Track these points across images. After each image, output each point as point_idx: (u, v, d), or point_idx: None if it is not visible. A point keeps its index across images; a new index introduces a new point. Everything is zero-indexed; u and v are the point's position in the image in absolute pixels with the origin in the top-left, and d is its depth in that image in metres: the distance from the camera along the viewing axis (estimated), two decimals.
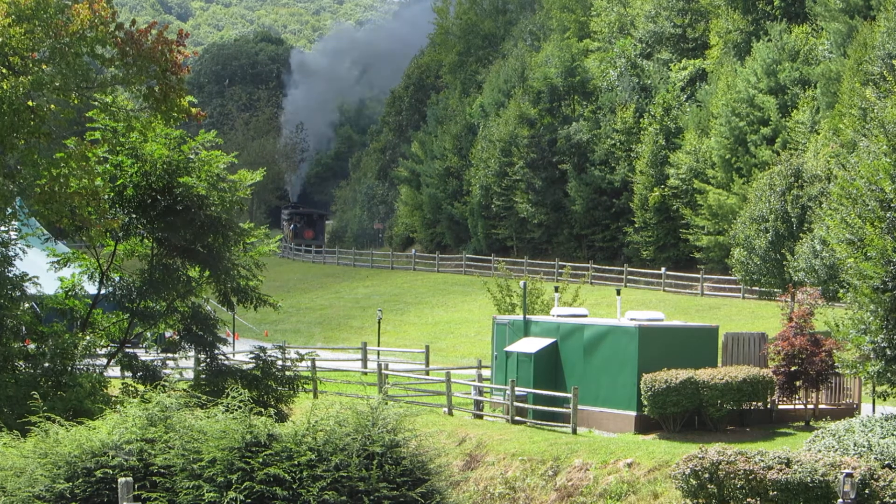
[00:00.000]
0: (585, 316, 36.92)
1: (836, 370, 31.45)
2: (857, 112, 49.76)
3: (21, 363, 25.36)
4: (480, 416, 36.12)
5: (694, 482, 24.41)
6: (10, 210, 25.15)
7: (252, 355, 28.04)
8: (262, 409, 17.16)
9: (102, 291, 27.90)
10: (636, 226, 74.40)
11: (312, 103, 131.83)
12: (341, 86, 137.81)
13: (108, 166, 27.16)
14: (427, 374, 43.86)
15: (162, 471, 15.28)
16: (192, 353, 28.58)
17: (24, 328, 26.25)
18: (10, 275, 25.25)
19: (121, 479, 14.72)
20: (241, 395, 15.80)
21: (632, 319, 34.68)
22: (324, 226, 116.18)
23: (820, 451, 24.95)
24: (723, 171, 64.97)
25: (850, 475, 22.75)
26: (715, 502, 24.32)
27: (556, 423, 33.64)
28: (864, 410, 32.74)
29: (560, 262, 71.98)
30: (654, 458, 28.96)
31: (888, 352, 26.07)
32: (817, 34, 65.32)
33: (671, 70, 77.40)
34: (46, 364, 25.08)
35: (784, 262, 46.20)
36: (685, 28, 79.18)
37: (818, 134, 56.36)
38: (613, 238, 78.65)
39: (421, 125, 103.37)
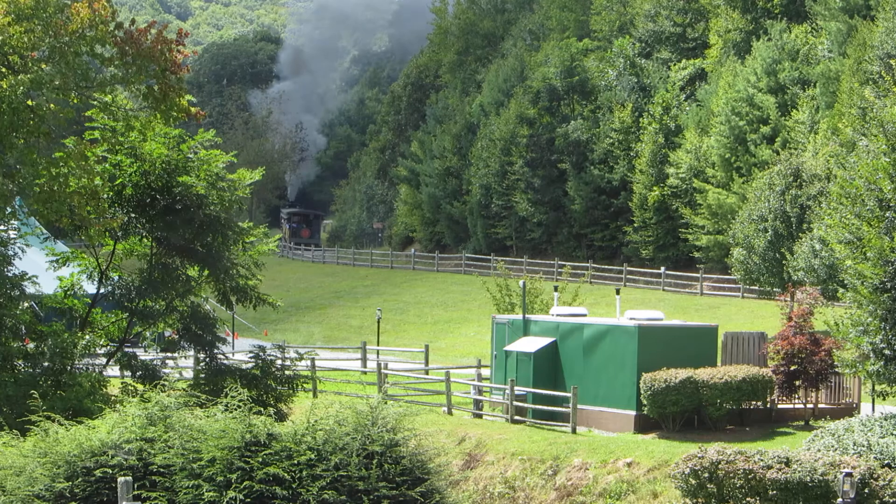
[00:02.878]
0: (585, 315, 36.89)
1: (836, 369, 31.44)
2: (856, 112, 49.76)
3: (20, 362, 25.35)
4: (480, 416, 36.11)
5: (693, 482, 24.41)
6: (9, 209, 25.13)
7: (251, 354, 28.03)
8: (262, 409, 17.16)
9: (101, 291, 27.90)
10: (635, 225, 74.40)
11: (317, 52, 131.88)
12: (354, 27, 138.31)
13: (107, 165, 27.16)
14: (426, 373, 43.85)
15: (161, 470, 15.28)
16: (191, 353, 28.58)
17: (23, 327, 26.24)
18: (10, 274, 25.26)
19: (120, 479, 14.71)
20: (240, 394, 15.80)
21: (631, 319, 34.67)
22: (320, 225, 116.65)
23: (819, 450, 24.94)
24: (722, 170, 64.98)
25: (849, 474, 22.75)
26: (714, 502, 24.31)
27: (555, 423, 33.63)
28: (864, 410, 32.72)
29: (559, 262, 72.00)
30: (654, 457, 28.96)
31: (886, 352, 26.06)
32: (817, 34, 65.34)
33: (671, 69, 77.43)
34: (46, 363, 25.09)
35: (783, 262, 46.21)
36: (685, 27, 79.22)
37: (817, 133, 56.37)
38: (613, 237, 78.67)
39: (420, 125, 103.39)
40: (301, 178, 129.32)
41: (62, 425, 16.04)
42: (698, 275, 65.19)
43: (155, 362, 27.67)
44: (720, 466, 24.14)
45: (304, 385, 29.25)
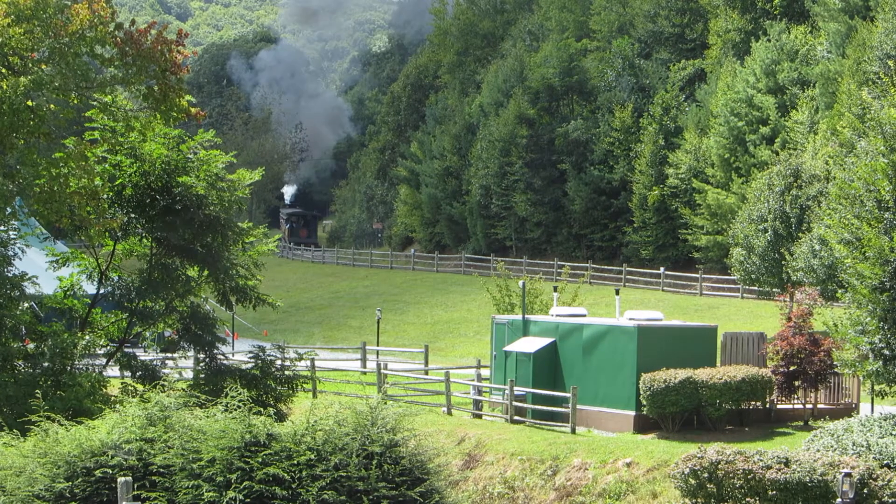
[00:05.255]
0: (584, 315, 36.92)
1: (835, 370, 31.47)
2: (855, 111, 49.74)
3: (20, 363, 25.35)
4: (479, 416, 36.13)
5: (693, 482, 24.43)
6: (9, 210, 25.15)
7: (251, 355, 28.04)
8: (262, 409, 17.15)
9: (101, 291, 27.91)
10: (635, 225, 74.45)
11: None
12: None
13: (107, 166, 27.16)
14: (426, 373, 43.87)
15: (161, 470, 15.28)
16: (191, 353, 28.59)
17: (23, 328, 26.25)
18: (10, 274, 25.26)
19: (120, 479, 14.72)
20: (240, 394, 15.80)
21: (631, 319, 34.69)
22: (317, 225, 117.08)
23: (819, 450, 24.97)
24: (722, 170, 65.01)
25: (848, 475, 22.77)
26: (714, 502, 24.34)
27: (555, 423, 33.66)
28: (863, 410, 32.76)
29: (559, 262, 72.04)
30: (653, 457, 28.98)
31: (885, 352, 26.09)
32: (816, 34, 65.33)
33: (670, 70, 77.47)
34: (46, 364, 25.08)
35: (783, 262, 46.22)
36: (684, 28, 79.24)
37: (817, 134, 56.35)
38: (612, 238, 78.72)
39: (420, 125, 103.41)
40: (300, 179, 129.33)
41: (62, 425, 16.04)
42: (698, 275, 65.22)
43: (155, 362, 27.68)
44: (720, 466, 24.17)
45: (304, 385, 29.26)
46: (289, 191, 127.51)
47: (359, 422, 15.50)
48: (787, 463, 23.89)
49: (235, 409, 15.58)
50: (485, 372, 39.01)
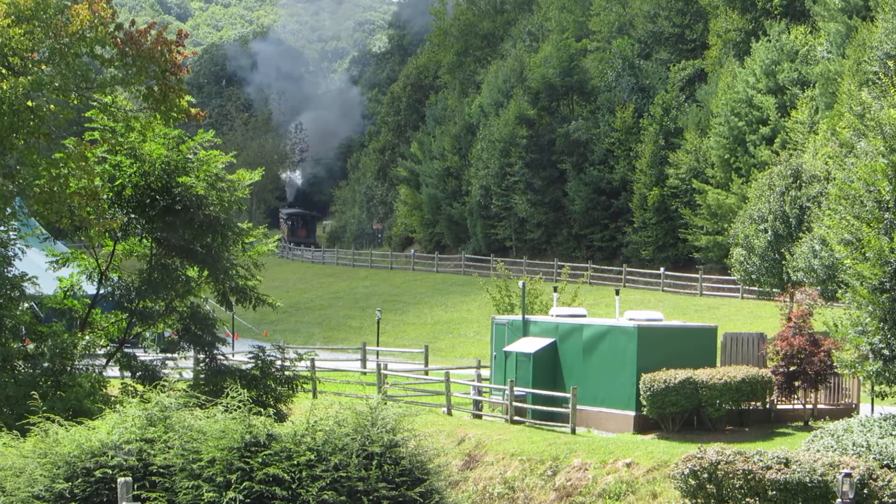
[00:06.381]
0: (584, 316, 36.92)
1: (835, 370, 31.46)
2: (855, 111, 49.73)
3: (20, 363, 25.34)
4: (479, 416, 36.13)
5: (693, 482, 24.43)
6: (9, 210, 25.14)
7: (251, 355, 28.03)
8: (262, 409, 17.15)
9: (101, 291, 27.91)
10: (635, 226, 74.47)
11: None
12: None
13: (107, 166, 27.16)
14: (426, 374, 43.88)
15: (161, 471, 15.28)
16: (191, 353, 28.58)
17: (23, 328, 26.24)
18: (10, 275, 25.26)
19: (120, 479, 14.72)
20: (240, 394, 15.80)
21: (631, 319, 34.69)
22: (315, 225, 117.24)
23: (819, 450, 24.97)
24: (722, 170, 65.03)
25: (848, 475, 22.77)
26: (714, 502, 24.34)
27: (555, 423, 33.66)
28: (863, 410, 32.75)
29: (559, 263, 72.05)
30: (653, 457, 28.98)
31: (885, 352, 26.09)
32: (816, 34, 65.35)
33: (670, 70, 77.51)
34: (46, 364, 25.06)
35: (783, 262, 46.22)
36: (684, 28, 79.28)
37: (817, 134, 56.34)
38: (612, 238, 78.74)
39: (420, 125, 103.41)
40: (303, 178, 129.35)
41: (62, 426, 16.04)
42: (698, 275, 65.22)
43: (155, 363, 27.67)
44: (719, 467, 24.17)
45: (304, 386, 29.25)
46: (289, 191, 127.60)
47: (359, 422, 15.50)
48: (787, 463, 23.89)
49: (235, 410, 15.57)
50: (485, 372, 39.01)
